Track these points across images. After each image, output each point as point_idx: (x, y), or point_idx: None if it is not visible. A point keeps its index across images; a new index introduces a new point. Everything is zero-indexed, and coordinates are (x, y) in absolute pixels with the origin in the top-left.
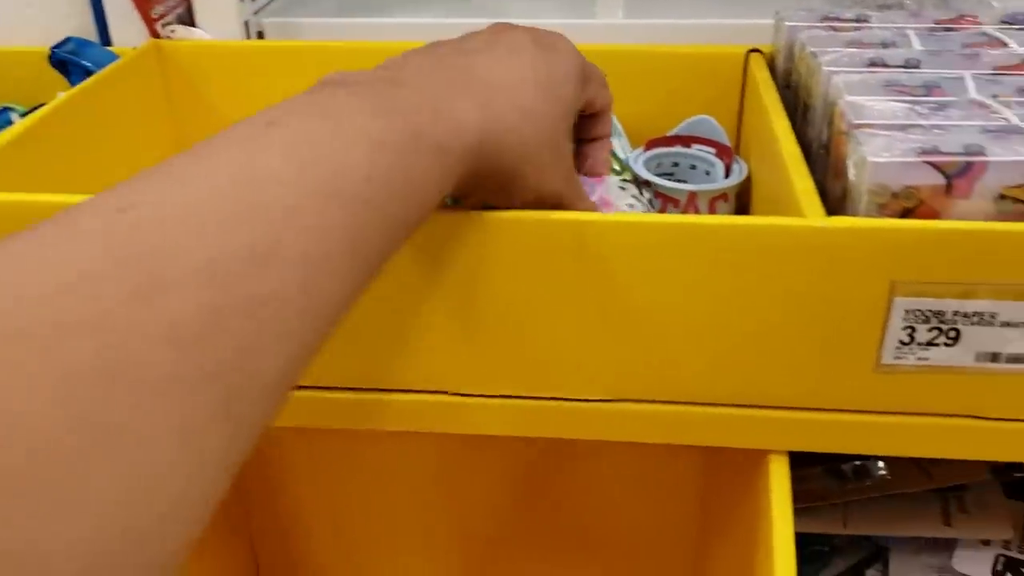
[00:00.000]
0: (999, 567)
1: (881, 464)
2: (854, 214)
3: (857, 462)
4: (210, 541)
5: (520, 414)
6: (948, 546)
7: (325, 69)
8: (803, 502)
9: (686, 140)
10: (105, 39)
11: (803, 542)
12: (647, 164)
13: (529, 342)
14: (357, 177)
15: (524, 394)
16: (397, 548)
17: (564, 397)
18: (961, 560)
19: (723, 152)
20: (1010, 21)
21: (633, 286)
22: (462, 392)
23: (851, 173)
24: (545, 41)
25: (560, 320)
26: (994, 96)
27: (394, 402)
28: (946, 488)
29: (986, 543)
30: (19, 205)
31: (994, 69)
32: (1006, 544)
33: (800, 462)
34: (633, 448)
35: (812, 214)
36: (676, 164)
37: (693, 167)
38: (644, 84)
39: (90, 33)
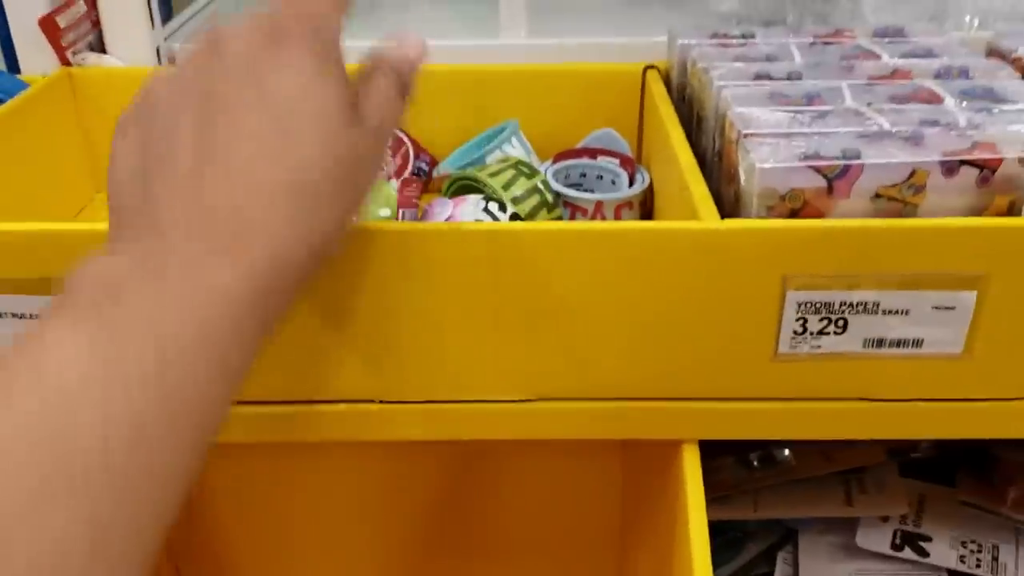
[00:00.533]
0: (897, 541)
1: (786, 451)
2: (747, 216)
3: (764, 451)
4: None
5: (439, 418)
6: (851, 525)
7: None
8: (716, 491)
9: (592, 152)
10: (13, 68)
11: (718, 530)
12: (556, 175)
13: (444, 349)
14: (92, 454)
15: (442, 399)
16: (320, 560)
17: (481, 399)
18: (863, 537)
19: (626, 162)
20: (881, 34)
21: (546, 292)
22: (382, 400)
23: (742, 179)
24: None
25: (474, 327)
26: (868, 104)
27: (318, 413)
28: (847, 471)
29: (885, 520)
30: None
31: (868, 79)
32: (903, 519)
33: (711, 454)
34: (554, 449)
35: (708, 217)
36: (583, 175)
37: (599, 177)
38: (550, 101)
39: None
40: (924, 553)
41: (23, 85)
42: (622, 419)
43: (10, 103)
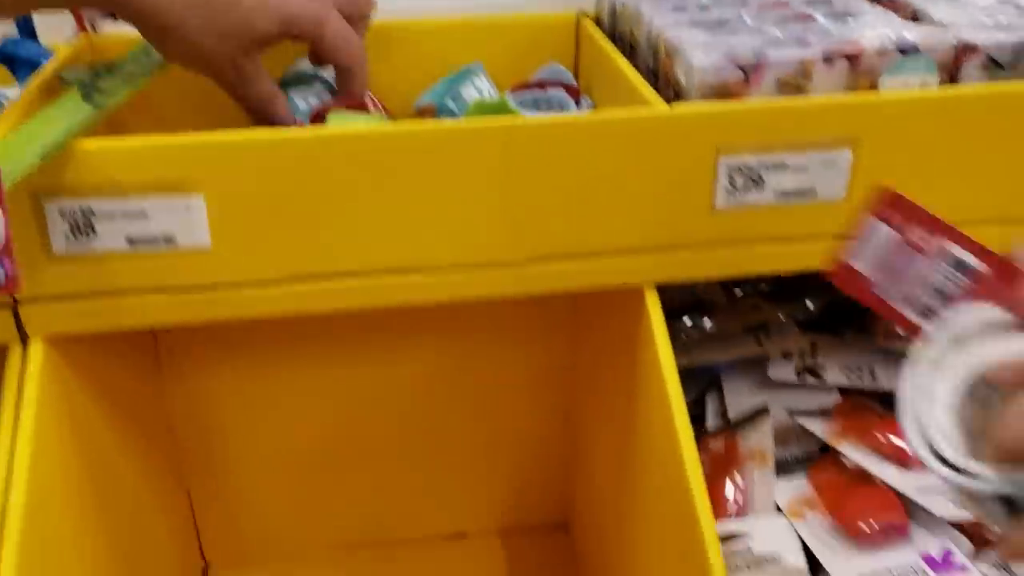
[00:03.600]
0: (799, 372)
1: (707, 322)
2: None
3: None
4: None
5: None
6: (762, 367)
7: None
8: None
9: (542, 84)
10: (29, 33)
11: None
12: (515, 105)
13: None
14: None
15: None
16: (316, 459)
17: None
18: (774, 370)
19: (572, 91)
20: None
21: (538, 176)
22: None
23: (682, 79)
24: None
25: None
26: (762, 24)
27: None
28: (755, 326)
29: (788, 358)
30: None
31: (759, 8)
32: (802, 356)
33: None
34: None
35: (660, 105)
36: (536, 104)
37: (550, 106)
38: (494, 49)
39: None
40: (821, 378)
41: (48, 53)
42: (603, 270)
43: (41, 71)
